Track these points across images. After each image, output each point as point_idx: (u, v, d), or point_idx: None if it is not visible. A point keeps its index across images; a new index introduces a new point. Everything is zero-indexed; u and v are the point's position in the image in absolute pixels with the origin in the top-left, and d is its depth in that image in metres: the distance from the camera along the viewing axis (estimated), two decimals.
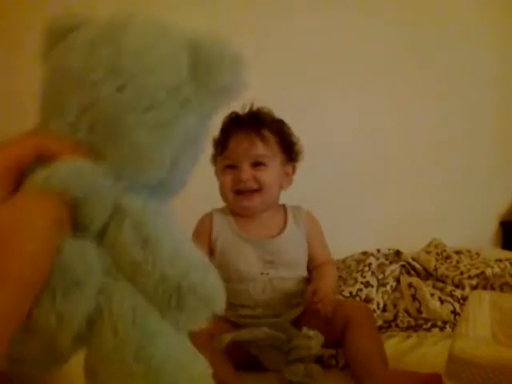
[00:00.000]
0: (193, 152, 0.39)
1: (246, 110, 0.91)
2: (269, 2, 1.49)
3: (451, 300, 0.99)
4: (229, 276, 0.84)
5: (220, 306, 0.36)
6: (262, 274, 0.84)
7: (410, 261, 1.25)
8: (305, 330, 0.74)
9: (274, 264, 0.85)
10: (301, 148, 0.95)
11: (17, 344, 0.32)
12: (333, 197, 1.52)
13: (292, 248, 0.88)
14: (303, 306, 0.87)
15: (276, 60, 1.48)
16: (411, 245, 1.43)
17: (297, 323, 0.83)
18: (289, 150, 0.92)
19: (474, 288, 1.09)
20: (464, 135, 1.75)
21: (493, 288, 1.08)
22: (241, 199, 0.87)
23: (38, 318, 0.30)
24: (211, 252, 0.88)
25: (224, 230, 0.88)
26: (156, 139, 0.34)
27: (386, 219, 1.61)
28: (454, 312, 0.96)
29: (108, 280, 0.33)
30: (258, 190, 0.86)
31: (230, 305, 0.83)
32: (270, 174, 0.87)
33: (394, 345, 0.85)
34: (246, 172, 0.85)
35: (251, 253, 0.85)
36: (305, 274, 0.90)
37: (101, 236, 0.34)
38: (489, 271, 1.13)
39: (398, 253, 1.28)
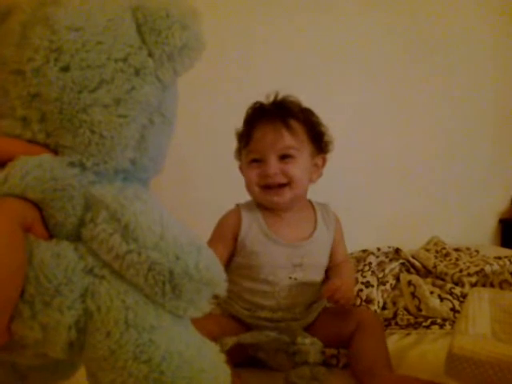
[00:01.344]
0: (162, 124, 0.36)
1: (271, 99, 0.85)
2: (271, 2, 1.48)
3: (450, 297, 1.00)
4: (255, 276, 0.81)
5: (220, 285, 0.33)
6: (290, 278, 0.81)
7: (410, 258, 1.26)
8: (300, 339, 0.73)
9: (302, 267, 0.82)
10: (331, 138, 0.89)
11: (13, 359, 0.31)
12: (332, 195, 1.50)
13: (320, 250, 0.85)
14: (319, 310, 0.86)
15: (276, 59, 1.48)
16: (411, 242, 1.44)
17: (311, 327, 0.82)
18: (318, 140, 0.86)
19: (473, 285, 1.09)
20: (463, 133, 1.75)
21: (492, 285, 1.08)
22: (270, 194, 0.81)
23: (18, 331, 0.28)
24: (235, 250, 0.83)
25: (253, 229, 0.82)
26: (114, 116, 0.32)
27: (386, 217, 1.61)
28: (453, 309, 0.96)
29: (93, 280, 0.31)
30: (287, 184, 0.81)
31: (252, 305, 0.82)
32: (299, 166, 0.81)
33: (394, 342, 0.85)
34: (274, 166, 0.79)
35: (281, 255, 0.81)
36: (323, 276, 0.88)
37: (78, 233, 0.32)
38: (488, 269, 1.13)
39: (397, 250, 1.29)
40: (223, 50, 1.37)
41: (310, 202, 0.91)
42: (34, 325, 0.28)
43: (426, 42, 1.68)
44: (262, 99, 0.86)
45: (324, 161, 0.89)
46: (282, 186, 0.81)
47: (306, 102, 1.43)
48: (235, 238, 0.82)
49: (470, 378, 0.49)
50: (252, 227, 0.82)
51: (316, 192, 1.24)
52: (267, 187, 0.81)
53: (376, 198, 1.62)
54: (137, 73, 0.32)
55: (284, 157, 0.80)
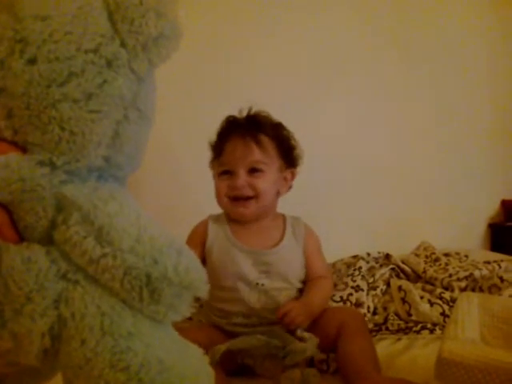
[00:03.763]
0: (138, 119, 0.34)
1: (244, 113, 0.88)
2: (265, 5, 1.49)
3: (440, 302, 0.99)
4: (224, 285, 0.82)
5: (201, 288, 0.32)
6: (257, 284, 0.82)
7: (400, 264, 1.26)
8: (299, 332, 0.73)
9: (269, 274, 0.83)
10: (301, 152, 0.92)
11: None
12: (323, 200, 1.52)
13: (288, 259, 0.86)
14: None
15: (270, 62, 1.48)
16: (401, 248, 1.44)
17: (292, 331, 0.81)
18: (287, 155, 0.89)
19: (462, 290, 1.09)
20: (454, 139, 1.77)
21: (481, 290, 1.08)
22: (236, 206, 0.85)
23: None
24: (204, 260, 0.85)
25: (219, 238, 0.86)
26: (84, 112, 0.30)
27: (376, 222, 1.61)
28: (443, 314, 0.95)
29: (66, 286, 0.29)
30: (254, 197, 0.84)
31: (225, 313, 0.82)
32: (267, 180, 0.84)
33: (385, 347, 0.85)
34: (242, 179, 0.83)
35: (246, 262, 0.83)
36: (299, 285, 0.88)
37: (50, 236, 0.30)
38: (477, 273, 1.13)
39: (387, 256, 1.28)
40: (223, 52, 1.39)
41: (282, 215, 0.93)
42: (4, 334, 0.27)
43: (422, 45, 1.70)
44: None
45: (293, 175, 0.92)
46: (248, 198, 0.84)
47: (298, 107, 1.44)
48: (203, 248, 0.86)
49: (459, 383, 0.48)
50: (218, 236, 0.86)
51: (306, 198, 1.25)
52: (235, 199, 0.85)
53: (366, 204, 1.62)
54: (109, 65, 0.30)
55: (253, 170, 0.84)
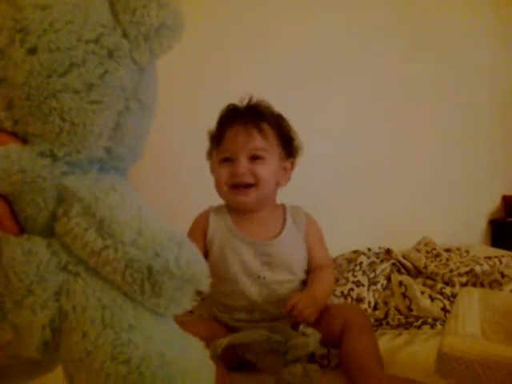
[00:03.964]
0: (139, 110, 0.34)
1: (245, 102, 0.88)
2: (262, 2, 1.48)
3: (441, 297, 0.99)
4: (225, 277, 0.82)
5: (203, 281, 0.32)
6: (258, 277, 0.82)
7: (401, 259, 1.26)
8: (302, 327, 0.73)
9: (271, 266, 0.82)
10: (300, 143, 0.92)
11: None
12: (324, 195, 1.51)
13: (289, 250, 0.86)
14: None
15: (269, 58, 1.47)
16: (401, 243, 1.44)
17: (295, 327, 0.81)
18: (288, 145, 0.89)
19: (463, 285, 1.09)
20: (455, 135, 1.76)
21: (482, 285, 1.08)
22: (236, 194, 0.84)
23: None
24: (206, 251, 0.85)
25: (220, 230, 0.85)
26: (85, 103, 0.29)
27: (377, 218, 1.61)
28: (444, 309, 0.96)
29: (67, 278, 0.29)
30: (254, 185, 0.83)
31: (228, 308, 0.82)
32: (268, 168, 0.84)
33: (386, 342, 0.85)
34: (243, 165, 0.82)
35: (248, 254, 0.82)
36: (303, 276, 0.87)
37: (51, 228, 0.30)
38: (478, 269, 1.13)
39: (388, 251, 1.29)
40: (223, 52, 1.38)
41: (282, 205, 0.93)
42: (5, 325, 0.27)
43: (422, 45, 1.69)
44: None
45: (293, 165, 0.92)
46: (249, 186, 0.83)
47: (299, 102, 1.44)
48: (204, 239, 0.85)
49: (460, 377, 0.48)
50: (219, 227, 0.86)
51: (307, 195, 1.25)
52: (235, 187, 0.84)
53: (367, 199, 1.62)
54: (110, 55, 0.30)
55: (254, 158, 0.83)
